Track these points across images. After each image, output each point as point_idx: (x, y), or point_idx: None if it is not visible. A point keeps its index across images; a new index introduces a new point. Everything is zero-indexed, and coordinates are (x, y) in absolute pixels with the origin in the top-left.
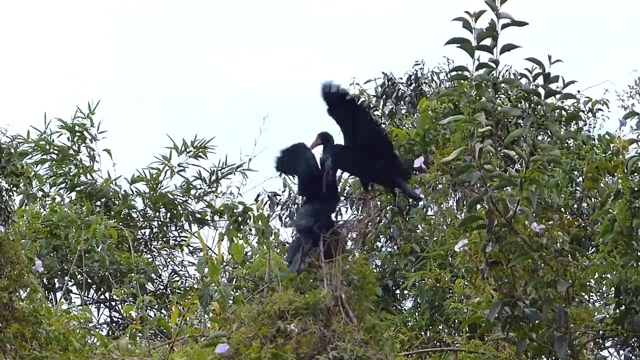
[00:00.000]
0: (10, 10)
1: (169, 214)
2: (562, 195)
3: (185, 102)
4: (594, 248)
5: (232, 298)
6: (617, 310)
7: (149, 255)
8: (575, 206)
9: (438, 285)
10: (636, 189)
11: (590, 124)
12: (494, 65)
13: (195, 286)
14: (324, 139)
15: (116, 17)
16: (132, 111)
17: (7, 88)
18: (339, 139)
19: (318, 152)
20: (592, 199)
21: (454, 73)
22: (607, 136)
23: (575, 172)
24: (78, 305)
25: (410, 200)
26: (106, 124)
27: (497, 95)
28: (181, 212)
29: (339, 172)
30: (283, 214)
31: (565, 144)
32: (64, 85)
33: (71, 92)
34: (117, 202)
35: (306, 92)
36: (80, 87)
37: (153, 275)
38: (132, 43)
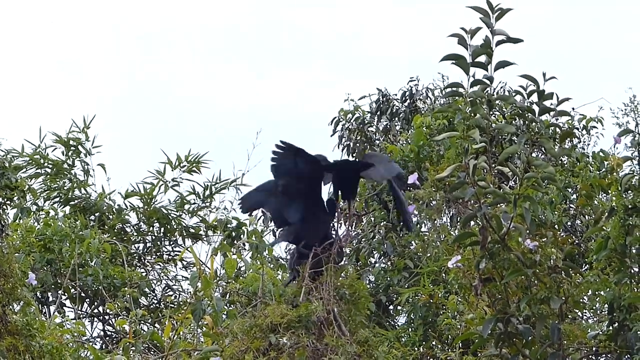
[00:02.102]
0: (7, 22)
1: (162, 229)
2: (556, 213)
3: (180, 117)
4: (587, 265)
5: (225, 313)
6: (611, 327)
7: (142, 270)
8: (569, 223)
9: (431, 301)
10: (630, 206)
11: (585, 142)
12: (488, 82)
13: (189, 300)
14: None
15: (116, 33)
16: (127, 126)
17: (1, 101)
18: None
19: None
20: (586, 216)
21: (448, 89)
22: (601, 154)
23: (570, 190)
24: (71, 319)
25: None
26: (101, 138)
27: (491, 112)
28: (175, 226)
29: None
30: (277, 230)
31: (560, 161)
32: (59, 99)
33: (67, 106)
34: (111, 217)
35: (300, 111)
36: (76, 101)
37: (146, 289)
38: (131, 59)
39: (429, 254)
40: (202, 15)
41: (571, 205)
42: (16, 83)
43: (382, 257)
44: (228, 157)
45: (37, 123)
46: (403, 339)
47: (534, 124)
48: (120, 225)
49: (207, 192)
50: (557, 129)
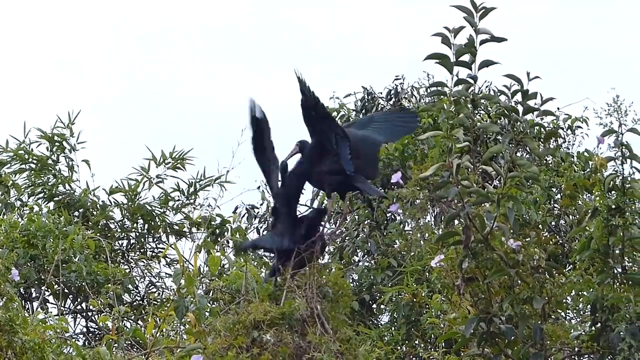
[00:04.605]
0: (7, 22)
1: (146, 225)
2: (539, 212)
3: (180, 117)
4: (570, 265)
5: (208, 310)
6: (593, 328)
7: (126, 266)
8: (552, 223)
9: (415, 300)
10: (613, 206)
11: (569, 141)
12: (472, 81)
13: (172, 297)
14: (302, 147)
15: (116, 33)
16: (127, 126)
17: (1, 101)
18: None
19: (296, 159)
20: (570, 216)
21: (432, 89)
22: (585, 154)
23: (553, 189)
24: (54, 315)
25: (388, 214)
26: (100, 138)
27: (475, 112)
28: (159, 223)
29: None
30: (261, 227)
31: (544, 161)
32: (60, 99)
33: (67, 106)
34: (95, 213)
35: (299, 111)
36: (76, 101)
37: (130, 286)
38: (131, 59)
39: (412, 253)
40: (202, 15)
41: (555, 205)
42: (16, 83)
43: (366, 256)
44: (208, 155)
45: (37, 123)
46: (386, 338)
47: (518, 123)
48: (104, 222)
49: (192, 189)
50: (542, 129)
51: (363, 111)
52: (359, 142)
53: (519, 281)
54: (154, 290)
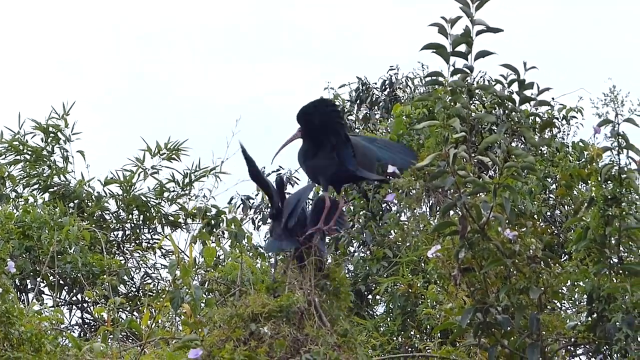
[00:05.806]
0: (7, 22)
1: (141, 217)
2: (535, 202)
3: (180, 117)
4: (566, 255)
5: (204, 301)
6: (589, 318)
7: (121, 258)
8: (548, 213)
9: (410, 290)
10: (609, 196)
11: (565, 131)
12: (468, 71)
13: (167, 289)
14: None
15: (116, 33)
16: (127, 125)
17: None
18: None
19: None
20: (566, 207)
21: (428, 78)
22: (581, 144)
23: (549, 179)
24: (50, 307)
25: (384, 205)
26: (80, 125)
27: (471, 102)
28: (154, 214)
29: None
30: (256, 218)
31: (539, 151)
32: (60, 99)
33: (53, 101)
34: (90, 204)
35: (284, 106)
36: (76, 101)
37: (125, 277)
38: (131, 59)
39: (408, 244)
40: (202, 15)
41: (551, 195)
42: (16, 83)
43: (361, 247)
44: (203, 145)
45: (35, 119)
46: (382, 329)
47: (514, 113)
48: (100, 213)
49: (187, 180)
50: (537, 119)
51: (357, 102)
52: (359, 146)
53: (516, 271)
54: (150, 281)
